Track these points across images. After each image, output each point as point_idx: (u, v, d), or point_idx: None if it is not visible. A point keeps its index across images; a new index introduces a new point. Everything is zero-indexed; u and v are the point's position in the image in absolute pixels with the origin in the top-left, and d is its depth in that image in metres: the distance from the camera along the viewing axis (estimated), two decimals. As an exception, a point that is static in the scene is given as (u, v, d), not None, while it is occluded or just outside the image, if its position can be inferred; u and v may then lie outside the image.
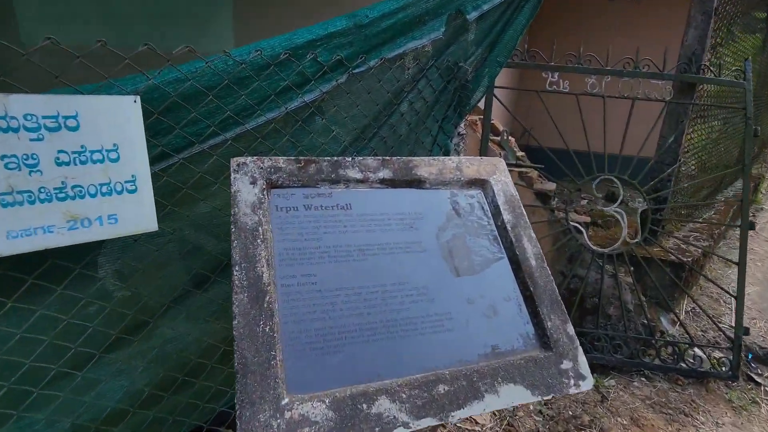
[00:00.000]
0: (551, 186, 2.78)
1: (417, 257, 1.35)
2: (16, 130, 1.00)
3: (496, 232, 1.51)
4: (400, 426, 1.05)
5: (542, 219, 2.70)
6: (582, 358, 1.30)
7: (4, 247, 1.04)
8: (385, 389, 1.09)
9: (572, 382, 1.26)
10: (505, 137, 2.47)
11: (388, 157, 1.50)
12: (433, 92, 1.99)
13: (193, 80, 1.26)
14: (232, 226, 1.19)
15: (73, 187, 1.11)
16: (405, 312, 1.24)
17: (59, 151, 1.07)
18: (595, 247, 2.56)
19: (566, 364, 1.28)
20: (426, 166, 1.53)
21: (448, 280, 1.35)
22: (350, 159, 1.45)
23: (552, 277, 1.43)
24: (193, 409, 1.57)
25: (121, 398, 1.39)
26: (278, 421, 0.98)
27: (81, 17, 2.47)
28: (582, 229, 2.60)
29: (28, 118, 1.01)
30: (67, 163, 1.09)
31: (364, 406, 1.05)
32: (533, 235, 1.51)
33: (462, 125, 2.42)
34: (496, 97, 2.61)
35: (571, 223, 2.55)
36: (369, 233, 1.34)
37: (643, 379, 2.55)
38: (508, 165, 2.81)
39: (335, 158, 1.43)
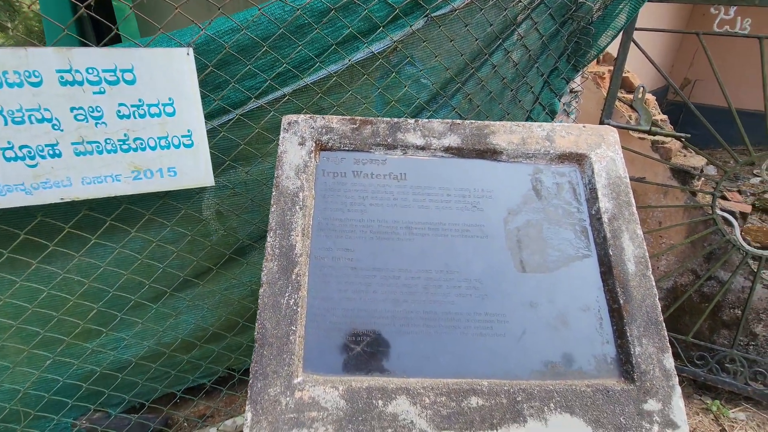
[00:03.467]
0: (698, 161, 2.16)
1: (475, 243, 1.15)
2: (80, 83, 1.06)
3: (587, 223, 1.20)
4: (416, 434, 0.93)
5: (677, 203, 2.14)
6: (678, 402, 1.00)
7: (80, 192, 1.14)
8: (407, 389, 0.97)
9: (656, 428, 0.97)
10: (641, 95, 1.95)
11: (458, 120, 1.27)
12: (540, 38, 1.62)
13: (248, 30, 1.18)
14: (273, 190, 1.14)
15: (135, 139, 1.16)
16: (449, 306, 1.08)
17: (120, 104, 1.11)
18: (750, 247, 1.95)
19: (652, 405, 0.99)
20: (505, 134, 1.26)
21: (510, 275, 1.12)
22: (412, 121, 1.26)
23: (655, 291, 1.10)
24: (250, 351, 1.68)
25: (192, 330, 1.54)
26: (288, 399, 0.94)
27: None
28: (733, 221, 2.00)
29: (90, 71, 1.05)
30: (128, 116, 1.13)
31: (380, 402, 0.95)
32: (639, 232, 1.16)
33: (578, 80, 1.96)
34: (635, 42, 2.05)
35: (719, 212, 1.97)
36: (422, 209, 1.17)
37: (789, 421, 1.97)
38: (639, 133, 2.24)
39: (395, 119, 1.25)
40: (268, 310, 1.02)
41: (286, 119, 1.20)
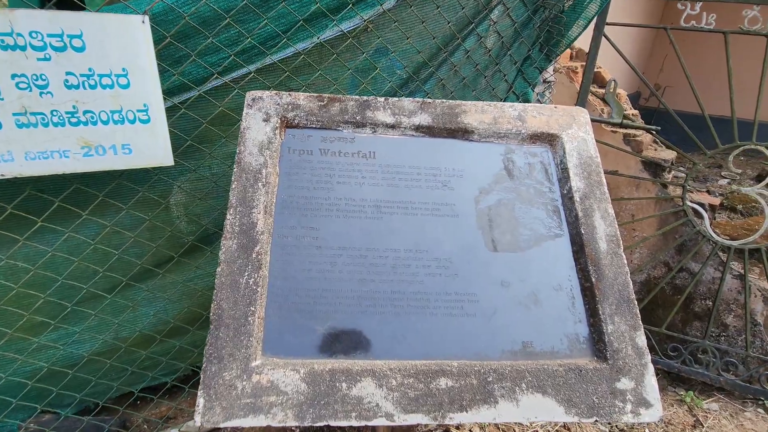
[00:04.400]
0: (668, 155, 2.19)
1: (445, 222, 1.11)
2: (23, 48, 0.98)
3: (559, 203, 1.18)
4: (381, 417, 0.88)
5: (648, 195, 2.17)
6: (651, 380, 0.97)
7: (24, 168, 1.06)
8: (372, 370, 0.92)
9: (629, 407, 0.94)
10: (612, 89, 1.97)
11: (429, 100, 1.24)
12: (512, 24, 1.62)
13: (209, 1, 1.13)
14: (234, 167, 1.08)
15: (85, 112, 1.09)
16: (417, 285, 1.03)
17: (67, 73, 1.04)
18: (719, 238, 1.98)
19: (625, 383, 0.96)
20: (477, 113, 1.24)
21: (480, 254, 1.09)
22: (382, 99, 1.22)
23: (627, 269, 1.08)
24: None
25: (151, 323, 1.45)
26: (244, 383, 0.88)
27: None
28: (703, 212, 2.03)
29: (34, 35, 0.98)
30: (77, 87, 1.06)
31: (344, 385, 0.90)
32: (610, 210, 1.15)
33: (551, 71, 1.97)
34: (605, 35, 2.08)
35: (690, 203, 1.99)
36: (391, 188, 1.13)
37: (760, 411, 1.98)
38: (611, 126, 2.27)
39: (364, 97, 1.22)
40: (225, 289, 0.95)
41: (250, 95, 1.15)
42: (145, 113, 1.14)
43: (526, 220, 1.14)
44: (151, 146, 1.18)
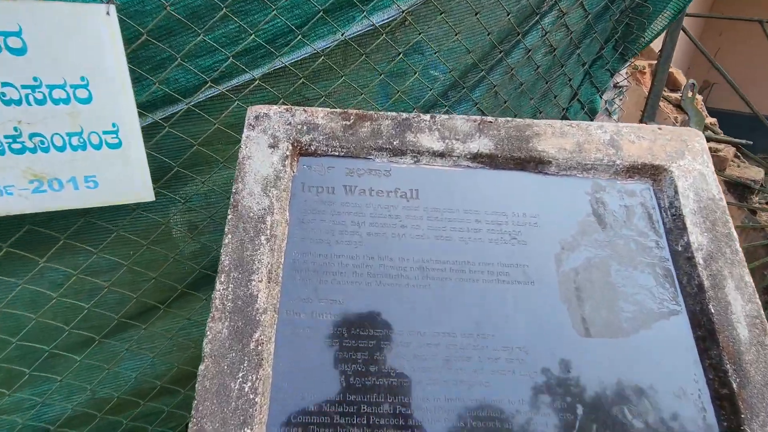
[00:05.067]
0: (756, 174, 1.83)
1: (517, 292, 0.80)
2: (-65, 51, 0.70)
3: (670, 263, 0.86)
4: None
5: (734, 222, 1.81)
6: None
7: (-50, 211, 0.79)
8: None
9: None
10: (690, 94, 1.62)
11: (489, 118, 0.93)
12: (584, 16, 1.28)
13: (198, -16, 0.83)
14: (229, 212, 0.79)
15: (32, 136, 0.81)
16: (482, 389, 0.73)
17: (3, 84, 0.76)
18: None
19: None
20: (554, 137, 0.92)
21: (567, 339, 0.78)
22: (428, 117, 0.91)
23: (780, 367, 0.75)
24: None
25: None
26: None
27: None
28: (802, 245, 1.67)
29: (-51, 32, 0.70)
30: (18, 102, 0.78)
31: None
32: (748, 279, 0.82)
33: (623, 73, 1.63)
34: (684, 30, 1.73)
35: (783, 234, 1.64)
36: (441, 242, 0.83)
37: None
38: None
39: (404, 114, 0.91)
40: (209, 399, 0.67)
41: (252, 111, 0.86)
42: (114, 135, 0.86)
43: (628, 288, 0.83)
44: (123, 177, 0.90)
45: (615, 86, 1.58)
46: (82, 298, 1.07)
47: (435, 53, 1.14)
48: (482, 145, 0.90)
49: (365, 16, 1.01)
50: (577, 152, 0.92)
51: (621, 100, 1.64)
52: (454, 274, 0.81)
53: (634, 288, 0.83)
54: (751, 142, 1.60)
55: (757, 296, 0.81)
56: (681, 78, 2.06)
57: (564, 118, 1.45)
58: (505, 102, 1.31)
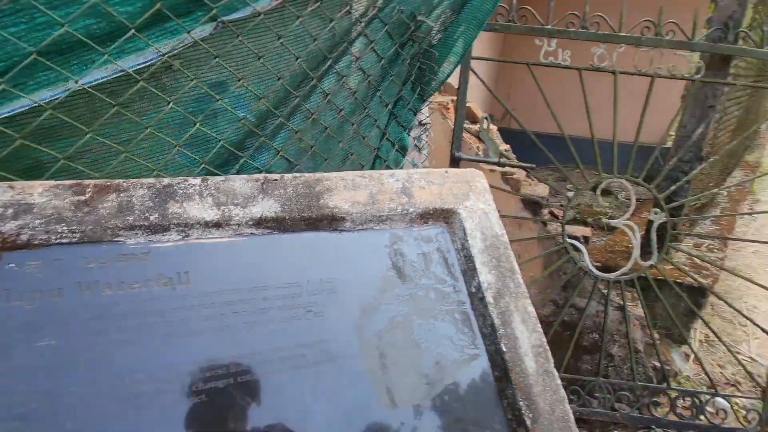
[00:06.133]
0: (543, 190, 2.16)
1: (315, 377, 0.70)
2: None
3: (467, 305, 0.87)
4: None
5: (531, 234, 2.09)
6: None
7: None
8: None
9: None
10: (486, 126, 1.82)
11: (275, 175, 0.83)
12: (378, 60, 1.31)
13: None
14: None
15: None
16: None
17: None
18: (599, 272, 1.98)
19: None
20: (346, 190, 0.87)
21: (374, 416, 0.71)
22: (198, 181, 0.77)
23: (563, 392, 0.81)
24: None
25: None
26: None
27: None
28: (582, 247, 2.01)
29: None
30: None
31: None
32: (531, 309, 0.88)
33: (426, 111, 1.74)
34: (473, 70, 1.95)
35: (568, 240, 1.95)
36: (220, 334, 0.68)
37: (653, 437, 2.02)
38: (489, 165, 2.17)
39: (165, 180, 0.75)
40: None
41: None
42: None
43: (431, 343, 0.80)
44: None
45: (420, 124, 1.68)
46: None
47: (217, 100, 1.01)
48: (267, 207, 0.80)
49: (108, 59, 0.82)
50: (371, 204, 0.88)
51: (427, 135, 1.76)
52: (242, 374, 0.67)
53: (436, 340, 0.81)
54: (534, 165, 1.87)
55: (539, 325, 0.87)
56: (478, 112, 2.36)
57: (377, 158, 1.46)
58: (312, 146, 1.24)
